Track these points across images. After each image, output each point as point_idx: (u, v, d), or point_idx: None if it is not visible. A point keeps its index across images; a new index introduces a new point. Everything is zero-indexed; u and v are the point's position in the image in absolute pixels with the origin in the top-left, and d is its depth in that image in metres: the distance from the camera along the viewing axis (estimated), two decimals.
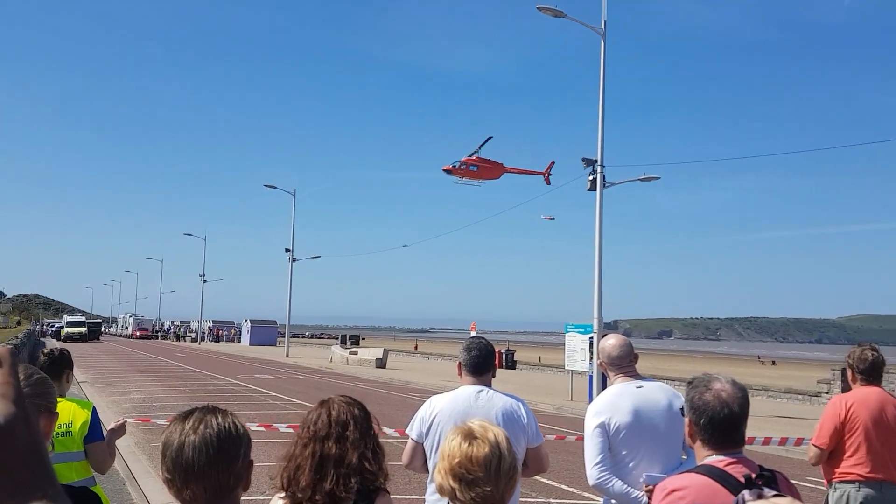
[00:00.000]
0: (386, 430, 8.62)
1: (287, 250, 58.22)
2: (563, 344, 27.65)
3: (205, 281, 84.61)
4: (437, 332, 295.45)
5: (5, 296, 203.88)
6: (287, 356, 53.12)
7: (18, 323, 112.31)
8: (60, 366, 5.03)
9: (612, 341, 4.57)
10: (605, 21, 25.24)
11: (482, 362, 4.32)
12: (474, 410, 4.06)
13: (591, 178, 25.04)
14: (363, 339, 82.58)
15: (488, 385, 4.31)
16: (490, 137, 66.58)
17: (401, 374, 37.43)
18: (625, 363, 4.46)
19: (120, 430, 5.17)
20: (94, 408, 4.84)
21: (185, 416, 2.29)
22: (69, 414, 4.61)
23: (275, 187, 58.56)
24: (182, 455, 2.18)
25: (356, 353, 49.21)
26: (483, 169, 66.59)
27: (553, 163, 75.07)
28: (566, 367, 27.45)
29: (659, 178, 27.25)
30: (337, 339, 74.26)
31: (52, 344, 60.52)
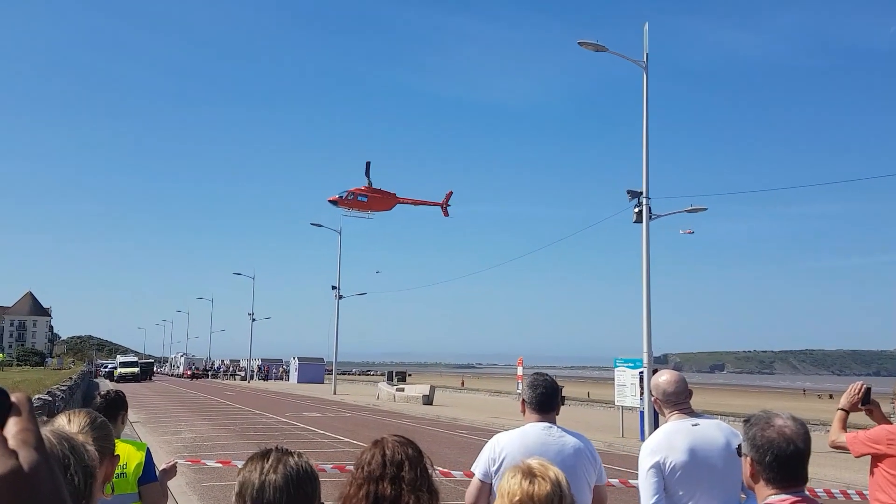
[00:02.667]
0: (438, 468, 8.50)
1: (333, 288, 58.74)
2: (613, 379, 27.23)
3: (254, 319, 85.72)
4: (484, 368, 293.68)
5: (60, 337, 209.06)
6: (334, 393, 53.28)
7: (74, 364, 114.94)
8: (116, 407, 5.09)
9: (666, 377, 4.45)
10: (646, 54, 25.25)
11: (548, 399, 4.23)
12: (544, 449, 3.96)
13: (636, 210, 24.84)
14: (409, 375, 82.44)
15: (553, 423, 4.22)
16: (369, 162, 64.42)
17: (448, 410, 37.21)
18: (680, 399, 4.35)
19: (171, 472, 5.22)
20: (148, 449, 4.89)
21: (263, 456, 2.35)
22: (124, 455, 4.67)
23: (321, 226, 59.42)
24: (263, 495, 2.24)
25: (403, 389, 49.10)
26: (373, 199, 63.13)
27: (451, 193, 72.39)
28: (616, 403, 27.00)
29: (706, 208, 26.90)
30: (383, 375, 74.30)
31: (105, 384, 61.75)
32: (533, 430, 4.17)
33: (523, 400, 4.28)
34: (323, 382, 75.31)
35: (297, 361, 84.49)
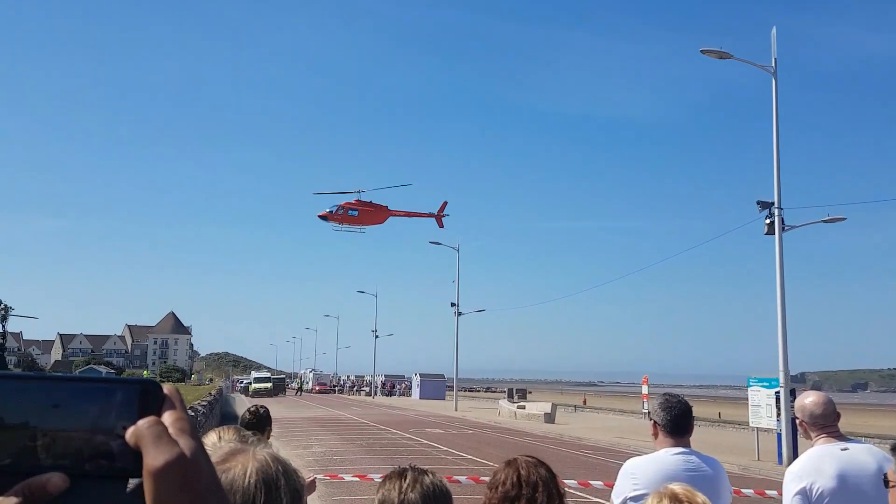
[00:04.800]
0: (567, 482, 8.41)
1: (453, 305, 59.30)
2: (745, 398, 26.04)
3: (377, 336, 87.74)
4: (606, 386, 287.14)
5: (200, 354, 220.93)
6: (455, 410, 53.61)
7: (211, 380, 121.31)
8: (263, 423, 5.38)
9: (812, 398, 4.23)
10: (775, 59, 24.25)
11: (683, 422, 4.01)
12: (683, 476, 3.76)
13: (767, 221, 23.81)
14: (530, 392, 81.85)
15: (688, 446, 4.02)
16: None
17: (570, 429, 36.67)
18: (828, 422, 4.13)
19: (311, 487, 5.41)
20: None
21: (400, 474, 2.46)
22: None
23: (440, 243, 60.19)
24: None
25: (524, 407, 48.81)
26: (364, 213, 61.05)
27: (445, 203, 67.97)
28: (750, 424, 25.81)
29: (844, 218, 25.39)
30: (504, 392, 74.09)
31: (241, 399, 64.72)
32: (667, 456, 3.97)
33: (655, 423, 4.07)
34: (444, 399, 75.93)
35: (419, 378, 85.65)
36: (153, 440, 0.76)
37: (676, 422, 3.99)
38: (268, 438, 5.31)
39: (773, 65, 24.22)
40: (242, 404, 46.19)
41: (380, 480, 2.55)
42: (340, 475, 13.78)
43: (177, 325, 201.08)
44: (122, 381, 0.81)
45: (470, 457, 22.29)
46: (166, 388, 0.82)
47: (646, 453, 4.38)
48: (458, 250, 59.97)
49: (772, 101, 24.16)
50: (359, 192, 61.91)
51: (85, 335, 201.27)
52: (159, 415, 0.79)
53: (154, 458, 0.75)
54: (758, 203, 24.12)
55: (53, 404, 0.77)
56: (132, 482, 0.78)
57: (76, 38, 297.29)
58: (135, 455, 0.77)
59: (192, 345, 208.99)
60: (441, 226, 67.05)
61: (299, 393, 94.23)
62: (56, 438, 0.77)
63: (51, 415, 0.77)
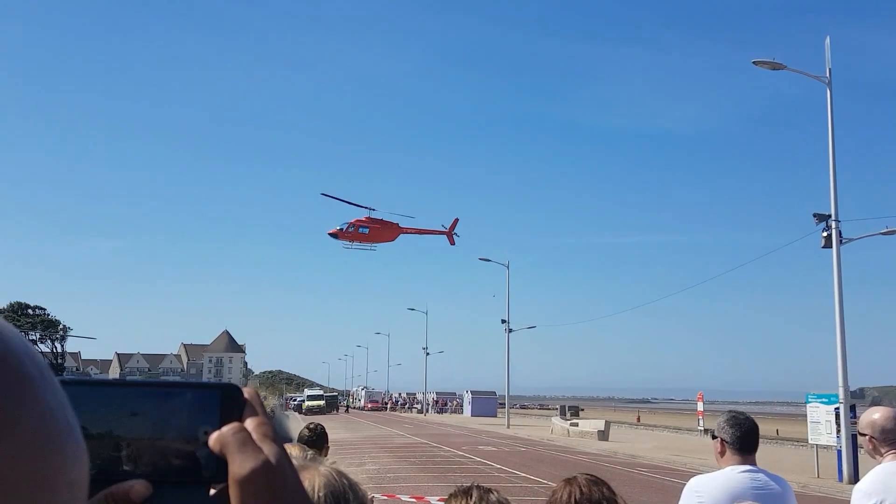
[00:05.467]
0: None
1: (503, 321, 59.22)
2: (803, 415, 25.45)
3: (427, 353, 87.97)
4: (660, 403, 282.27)
5: (253, 372, 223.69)
6: (508, 427, 53.39)
7: (265, 398, 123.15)
8: (321, 441, 5.46)
9: (881, 413, 4.15)
10: (829, 69, 23.86)
11: (751, 440, 3.95)
12: (751, 495, 3.76)
13: (824, 234, 23.36)
14: (582, 409, 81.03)
15: (755, 464, 3.96)
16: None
17: (625, 446, 36.22)
18: None
19: None
20: None
21: (466, 493, 2.54)
22: None
23: (489, 260, 60.24)
24: None
25: (577, 424, 48.39)
26: (375, 231, 60.30)
27: (457, 220, 66.81)
28: (809, 441, 25.21)
29: None
30: (556, 409, 73.52)
31: (294, 417, 65.39)
32: (734, 475, 3.91)
33: (722, 440, 3.98)
34: (496, 416, 75.65)
35: (471, 395, 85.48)
36: (238, 447, 0.76)
37: (744, 439, 3.93)
38: (325, 456, 5.50)
39: (828, 75, 23.84)
40: (296, 422, 46.72)
41: (443, 500, 2.63)
42: (396, 494, 13.89)
43: (231, 344, 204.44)
44: (202, 385, 0.81)
45: (523, 474, 22.21)
46: (246, 391, 0.81)
47: (703, 471, 4.37)
48: (507, 267, 59.99)
49: (827, 112, 23.77)
50: (370, 209, 61.69)
51: (142, 354, 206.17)
52: (241, 419, 0.79)
53: (240, 466, 0.75)
54: (814, 216, 23.70)
55: (133, 412, 0.78)
56: (214, 488, 0.79)
57: (130, 65, 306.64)
58: (218, 461, 0.77)
59: (247, 363, 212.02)
60: (452, 243, 66.14)
61: (346, 410, 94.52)
62: (139, 446, 0.77)
63: (132, 422, 0.78)
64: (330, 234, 61.02)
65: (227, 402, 0.79)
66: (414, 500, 12.79)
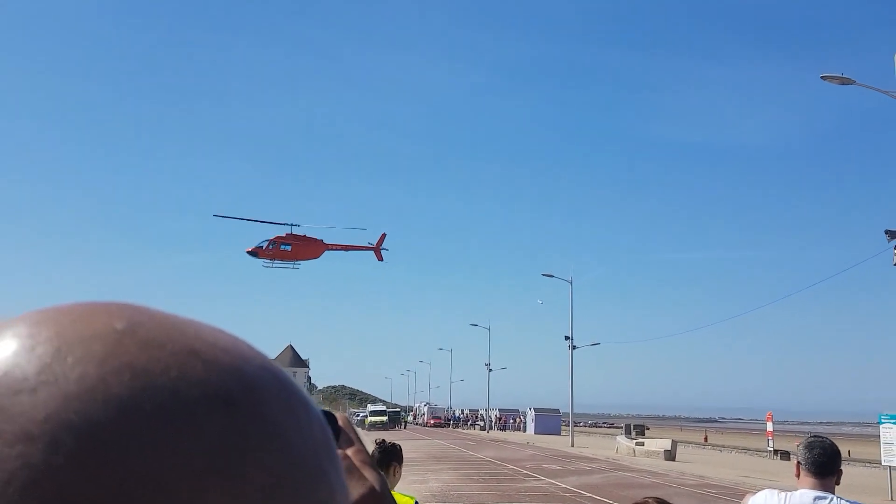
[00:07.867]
0: None
1: (567, 338, 58.90)
2: (875, 436, 24.71)
3: (490, 370, 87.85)
4: (728, 423, 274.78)
5: (317, 387, 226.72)
6: (572, 446, 52.96)
7: None
8: (390, 457, 5.07)
9: None
10: None
11: (827, 462, 3.91)
12: None
13: None
14: (647, 428, 79.72)
15: (831, 491, 3.89)
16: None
17: (693, 467, 35.59)
18: None
19: None
20: (416, 502, 4.79)
21: None
22: None
23: (552, 276, 60.04)
24: None
25: (642, 443, 47.68)
26: (298, 247, 57.86)
27: (384, 235, 64.15)
28: (883, 463, 24.50)
29: None
30: (620, 428, 72.51)
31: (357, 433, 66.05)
32: (801, 496, 3.87)
33: (798, 462, 4.01)
34: (559, 434, 75.03)
35: (534, 412, 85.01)
36: (345, 475, 0.78)
37: (819, 461, 3.91)
38: (395, 475, 5.03)
39: None
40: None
41: None
42: None
43: (295, 359, 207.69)
44: None
45: (589, 494, 22.13)
46: (339, 417, 0.78)
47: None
48: (571, 283, 59.73)
49: None
50: (291, 225, 58.86)
51: None
52: (339, 446, 0.77)
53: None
54: (886, 233, 23.13)
55: None
56: None
57: (197, 85, 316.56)
58: None
59: (310, 378, 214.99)
60: (380, 258, 63.11)
61: (403, 426, 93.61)
62: None
63: None
64: (248, 252, 57.76)
65: None
66: None
